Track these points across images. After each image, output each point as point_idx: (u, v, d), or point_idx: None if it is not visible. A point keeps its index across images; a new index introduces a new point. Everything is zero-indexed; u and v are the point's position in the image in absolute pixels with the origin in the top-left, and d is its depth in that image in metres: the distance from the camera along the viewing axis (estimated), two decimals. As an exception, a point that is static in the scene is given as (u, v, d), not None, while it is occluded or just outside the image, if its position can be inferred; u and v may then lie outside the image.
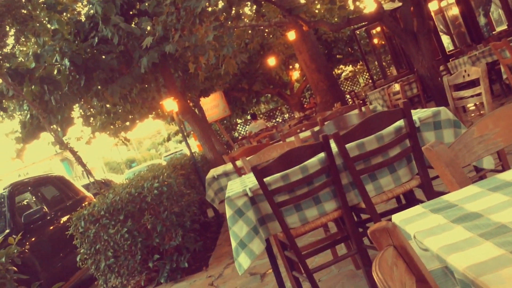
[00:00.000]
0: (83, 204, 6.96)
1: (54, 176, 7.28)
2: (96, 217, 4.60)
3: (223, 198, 3.94)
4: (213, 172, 4.97)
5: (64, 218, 6.35)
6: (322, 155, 2.54)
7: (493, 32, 11.96)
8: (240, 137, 18.06)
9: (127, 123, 11.54)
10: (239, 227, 2.49)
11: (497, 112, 1.29)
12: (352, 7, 13.96)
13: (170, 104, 8.39)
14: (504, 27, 11.84)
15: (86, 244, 4.70)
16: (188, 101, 10.73)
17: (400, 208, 3.06)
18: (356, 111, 5.46)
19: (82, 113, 10.99)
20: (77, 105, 9.91)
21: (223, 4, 7.45)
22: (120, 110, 10.50)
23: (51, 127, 7.96)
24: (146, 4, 7.88)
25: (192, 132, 12.59)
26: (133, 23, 8.47)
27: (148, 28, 7.50)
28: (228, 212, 2.52)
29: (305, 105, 19.94)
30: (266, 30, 15.48)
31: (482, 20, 13.21)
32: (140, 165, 27.32)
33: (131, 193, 4.66)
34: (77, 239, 4.75)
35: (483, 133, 1.26)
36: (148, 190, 4.67)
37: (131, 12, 8.51)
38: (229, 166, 4.87)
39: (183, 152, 21.33)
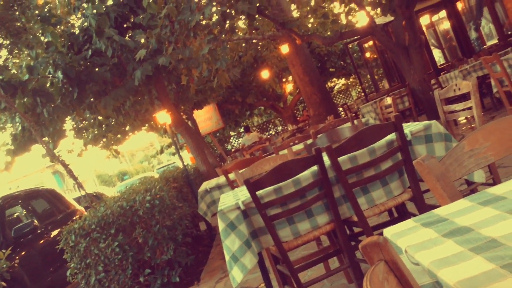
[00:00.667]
0: (74, 218, 6.90)
1: (45, 189, 7.22)
2: (87, 230, 4.55)
3: (216, 211, 3.92)
4: (206, 185, 4.95)
5: (55, 232, 6.28)
6: (314, 168, 2.54)
7: (484, 47, 12.11)
8: (233, 150, 18.05)
9: (119, 136, 11.50)
10: (232, 240, 2.48)
11: (488, 126, 1.30)
12: (344, 21, 14.09)
13: (163, 117, 8.39)
14: (495, 41, 12.00)
15: (77, 258, 4.64)
16: (181, 113, 10.74)
17: (392, 221, 3.06)
18: (348, 124, 5.48)
19: (74, 126, 10.95)
20: (69, 117, 9.87)
21: (217, 17, 7.50)
22: (112, 123, 10.47)
23: (43, 139, 7.91)
24: (140, 17, 7.91)
25: (185, 145, 12.58)
26: (127, 36, 8.49)
27: (142, 40, 7.53)
28: (221, 226, 2.51)
29: (298, 118, 20.01)
30: (260, 43, 15.58)
31: (473, 35, 13.37)
32: (132, 178, 27.18)
33: (122, 206, 4.63)
34: (67, 253, 4.69)
35: (474, 147, 1.26)
36: (140, 203, 4.64)
37: (125, 25, 8.54)
38: (222, 179, 4.86)
39: (176, 165, 21.28)
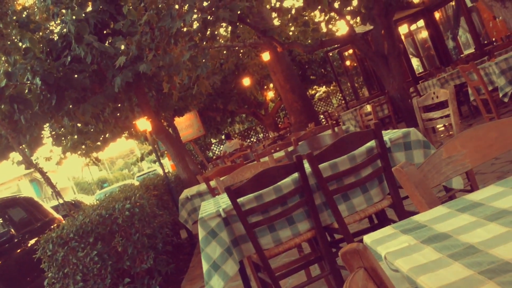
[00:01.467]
0: (52, 226, 6.77)
1: (22, 198, 7.07)
2: (65, 239, 4.47)
3: (197, 219, 3.88)
4: (187, 192, 4.92)
5: (32, 241, 6.15)
6: (295, 175, 2.55)
7: (461, 55, 12.36)
8: (214, 157, 18.00)
9: (99, 143, 11.36)
10: (212, 248, 2.46)
11: (465, 133, 1.32)
12: (325, 30, 14.24)
13: (144, 124, 8.32)
14: (472, 50, 12.26)
15: (54, 267, 4.55)
16: (162, 120, 10.67)
17: (372, 228, 3.08)
18: (329, 131, 5.52)
19: (53, 133, 10.78)
20: (47, 124, 9.72)
21: (198, 24, 7.50)
22: (92, 130, 10.35)
23: (20, 147, 7.77)
24: (121, 23, 7.86)
25: (166, 152, 12.49)
26: (107, 42, 8.42)
27: (122, 47, 7.47)
28: (201, 234, 2.49)
29: (279, 125, 20.08)
30: (241, 51, 15.62)
31: (450, 44, 13.65)
32: (112, 186, 26.85)
33: (101, 214, 4.56)
34: (45, 263, 4.60)
35: (451, 154, 1.28)
36: (119, 211, 4.58)
37: (105, 32, 8.47)
38: (203, 187, 4.83)
39: (156, 172, 21.09)
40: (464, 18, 12.11)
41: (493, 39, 11.16)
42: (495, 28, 10.92)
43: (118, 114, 9.31)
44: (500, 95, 5.26)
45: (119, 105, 9.03)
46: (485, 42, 11.70)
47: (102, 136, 10.96)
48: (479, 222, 0.86)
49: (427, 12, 12.87)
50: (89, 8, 8.41)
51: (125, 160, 51.22)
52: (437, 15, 13.25)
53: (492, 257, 0.71)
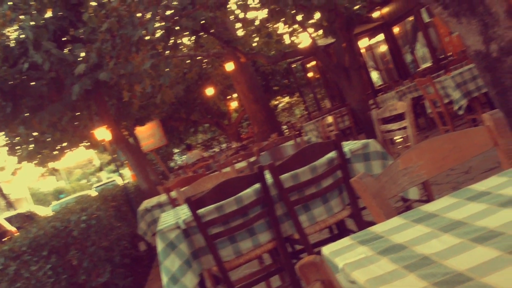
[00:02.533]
0: (4, 239, 6.48)
1: (-28, 209, 6.76)
2: (17, 253, 4.28)
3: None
4: (146, 203, 4.82)
5: (-18, 255, 5.86)
6: (257, 186, 2.53)
7: (418, 69, 12.75)
8: (176, 167, 17.79)
9: (56, 152, 11.02)
10: (171, 261, 2.41)
11: (421, 145, 1.35)
12: (288, 42, 14.41)
13: (103, 133, 8.14)
14: (429, 64, 12.68)
15: (5, 282, 4.35)
16: (123, 129, 10.47)
17: (333, 238, 3.10)
18: (291, 142, 5.55)
19: (8, 141, 10.39)
20: (2, 133, 9.36)
21: (161, 33, 7.42)
22: (49, 139, 10.04)
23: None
24: (81, 30, 7.68)
25: (126, 162, 12.24)
26: (66, 49, 8.21)
27: (82, 54, 7.30)
28: (160, 246, 2.43)
29: (242, 135, 20.09)
30: (205, 60, 15.58)
31: (408, 58, 14.08)
32: (69, 196, 26.05)
33: (56, 226, 4.41)
34: (-5, 278, 4.39)
35: (408, 165, 1.30)
36: (75, 223, 4.44)
37: (64, 38, 8.26)
38: (163, 197, 4.75)
39: (115, 183, 20.62)
40: (421, 33, 12.53)
41: (449, 54, 11.58)
42: (451, 43, 11.34)
43: (77, 123, 9.08)
44: (455, 107, 5.44)
45: (78, 113, 8.81)
46: (442, 56, 12.13)
47: (60, 145, 10.64)
48: (433, 233, 0.87)
49: (386, 27, 13.26)
50: (48, 14, 8.19)
51: (83, 170, 49.84)
52: (395, 29, 13.66)
53: (446, 268, 0.72)
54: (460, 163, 1.36)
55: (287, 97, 24.01)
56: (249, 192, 2.52)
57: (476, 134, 1.35)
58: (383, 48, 14.65)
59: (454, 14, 4.62)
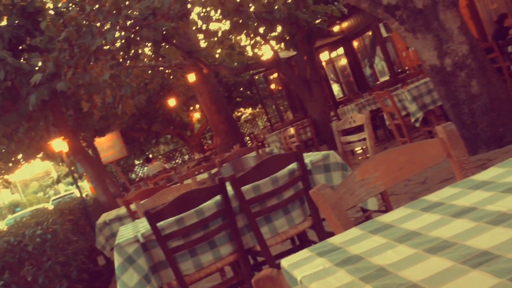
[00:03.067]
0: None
1: None
2: (-34, 270, 4.07)
3: (115, 245, 3.70)
4: (105, 216, 4.70)
5: None
6: (218, 197, 2.51)
7: (377, 82, 13.09)
8: (137, 179, 17.47)
9: (10, 164, 10.61)
10: (129, 276, 2.34)
11: (377, 157, 1.37)
12: (250, 54, 14.51)
13: (60, 144, 7.90)
14: (387, 77, 13.04)
15: (-48, 302, 4.12)
16: (81, 141, 10.21)
17: (294, 249, 3.11)
18: (253, 153, 5.56)
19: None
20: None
21: (121, 42, 7.31)
22: (3, 150, 9.65)
23: None
24: (38, 39, 7.47)
25: (85, 174, 11.92)
26: (22, 58, 7.96)
27: (39, 64, 7.10)
28: (117, 261, 2.36)
29: (205, 147, 19.97)
30: (167, 71, 15.45)
31: (367, 71, 14.45)
32: (25, 210, 25.10)
33: (9, 242, 4.22)
34: None
35: (364, 177, 1.32)
36: (29, 238, 4.27)
37: (20, 47, 8.01)
38: (122, 210, 4.64)
39: (74, 195, 20.04)
40: (380, 47, 12.89)
41: (406, 68, 11.95)
42: (408, 57, 11.71)
43: (33, 134, 8.78)
44: (412, 120, 5.61)
45: (34, 124, 8.52)
46: (399, 70, 12.50)
47: (14, 157, 10.25)
48: (389, 244, 0.88)
49: (346, 41, 13.57)
50: (4, 22, 7.94)
51: (40, 182, 48.14)
52: (355, 43, 14.01)
53: (401, 279, 0.72)
54: (415, 174, 1.40)
55: (250, 109, 24.10)
56: (210, 204, 2.50)
57: (429, 146, 1.39)
58: (343, 61, 14.98)
59: (411, 30, 4.78)
